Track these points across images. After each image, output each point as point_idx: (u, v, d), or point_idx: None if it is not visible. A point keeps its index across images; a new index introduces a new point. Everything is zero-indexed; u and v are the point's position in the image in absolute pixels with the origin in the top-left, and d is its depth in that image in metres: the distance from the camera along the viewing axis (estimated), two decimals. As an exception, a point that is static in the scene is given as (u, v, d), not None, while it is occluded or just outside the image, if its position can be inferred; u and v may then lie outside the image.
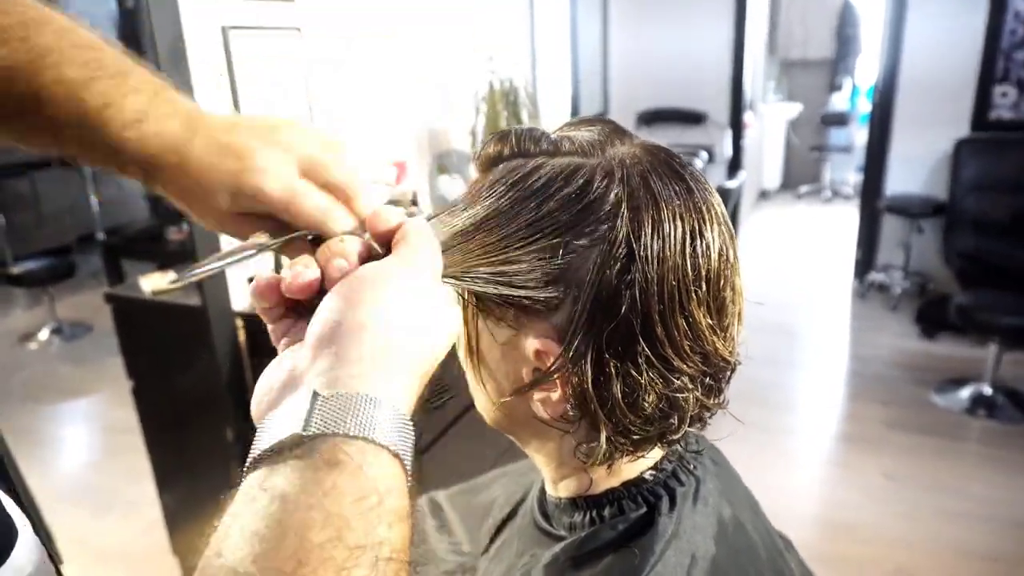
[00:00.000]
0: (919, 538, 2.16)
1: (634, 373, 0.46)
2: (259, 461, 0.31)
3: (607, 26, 4.48)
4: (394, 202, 0.46)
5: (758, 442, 2.65)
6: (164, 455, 1.93)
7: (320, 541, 0.28)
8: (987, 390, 2.90)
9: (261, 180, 0.42)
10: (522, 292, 0.46)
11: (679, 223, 0.45)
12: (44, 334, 4.06)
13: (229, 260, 0.42)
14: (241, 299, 1.66)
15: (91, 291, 4.68)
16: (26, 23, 0.42)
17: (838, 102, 6.97)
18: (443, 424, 1.64)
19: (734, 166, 4.50)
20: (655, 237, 0.45)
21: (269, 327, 0.43)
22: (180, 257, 3.36)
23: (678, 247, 0.45)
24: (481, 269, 0.45)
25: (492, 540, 0.74)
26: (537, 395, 0.49)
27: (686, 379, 0.47)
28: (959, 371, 3.12)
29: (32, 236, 4.96)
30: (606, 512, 0.53)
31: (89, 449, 3.04)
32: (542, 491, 0.64)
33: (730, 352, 0.50)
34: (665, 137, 4.66)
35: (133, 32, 3.85)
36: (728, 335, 0.49)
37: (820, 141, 6.93)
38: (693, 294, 0.46)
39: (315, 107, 1.80)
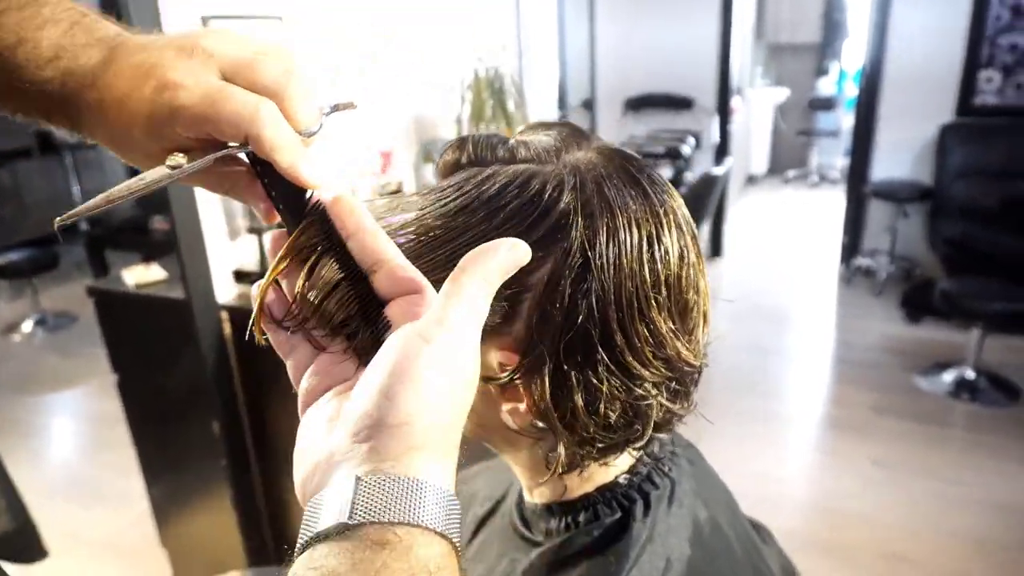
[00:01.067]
0: (909, 523, 2.20)
1: (595, 382, 0.45)
2: (307, 546, 0.30)
3: (594, 12, 4.45)
4: (337, 107, 0.41)
5: (746, 430, 2.68)
6: (151, 448, 1.92)
7: None
8: (970, 374, 2.94)
9: (174, 95, 0.35)
10: None
11: (635, 229, 0.45)
12: (28, 325, 4.03)
13: (133, 190, 0.35)
14: (226, 292, 1.65)
15: (75, 282, 4.63)
16: None
17: (825, 87, 6.98)
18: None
19: (721, 151, 4.50)
20: (610, 245, 0.44)
21: (288, 364, 0.38)
22: (165, 248, 3.33)
23: (635, 253, 0.44)
24: None
25: (474, 535, 0.74)
26: (505, 406, 0.49)
27: (649, 386, 0.47)
28: (943, 355, 3.16)
29: (14, 227, 4.90)
30: (581, 518, 0.53)
31: (76, 441, 3.03)
32: (519, 495, 0.64)
33: (695, 355, 0.49)
34: (653, 123, 4.65)
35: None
36: (693, 338, 0.49)
37: (807, 126, 6.94)
38: (653, 300, 0.45)
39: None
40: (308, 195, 0.37)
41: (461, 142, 0.50)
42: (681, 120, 4.60)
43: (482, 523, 0.74)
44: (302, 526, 0.30)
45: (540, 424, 0.48)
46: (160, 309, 1.70)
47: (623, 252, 0.44)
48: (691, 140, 4.18)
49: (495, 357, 0.47)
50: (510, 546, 0.61)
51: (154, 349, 1.78)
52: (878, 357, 3.31)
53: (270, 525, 1.83)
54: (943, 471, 2.43)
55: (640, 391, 0.46)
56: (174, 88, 0.35)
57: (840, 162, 6.76)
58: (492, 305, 0.37)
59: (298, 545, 0.30)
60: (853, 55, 6.67)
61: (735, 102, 5.12)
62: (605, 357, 0.45)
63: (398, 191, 1.99)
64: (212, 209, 1.61)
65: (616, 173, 0.46)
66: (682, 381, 0.49)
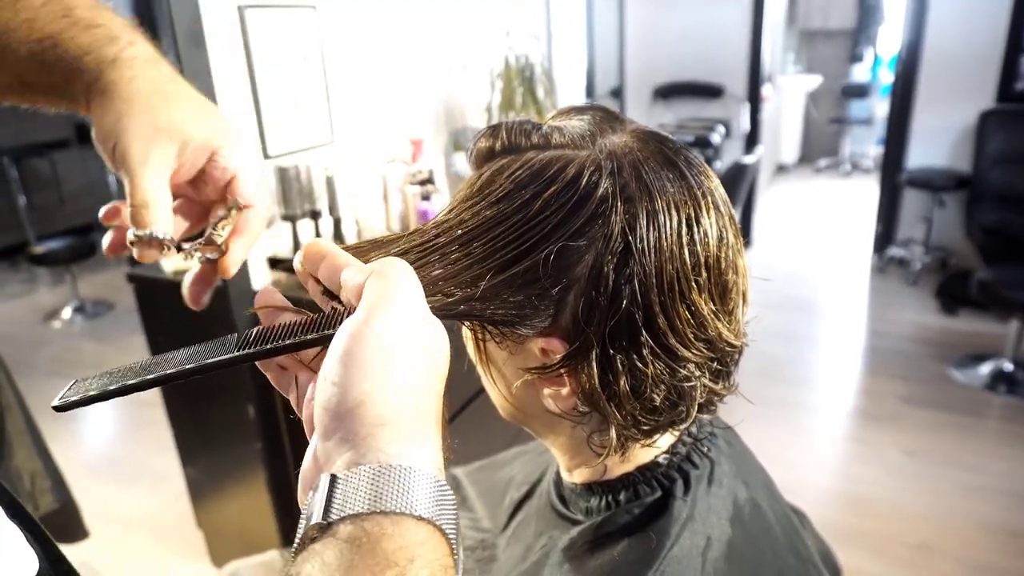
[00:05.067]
0: (939, 513, 2.17)
1: (640, 365, 0.45)
2: (295, 553, 0.29)
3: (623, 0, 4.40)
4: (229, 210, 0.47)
5: (776, 418, 2.66)
6: (187, 430, 1.97)
7: None
8: (1008, 366, 2.87)
9: (243, 161, 0.46)
10: (517, 320, 0.44)
11: (674, 212, 0.45)
12: (67, 312, 4.13)
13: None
14: (260, 278, 1.68)
15: (112, 270, 4.75)
16: None
17: (859, 73, 6.83)
18: (464, 399, 1.66)
19: (751, 140, 4.43)
20: (651, 228, 0.44)
21: (291, 399, 0.41)
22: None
23: (674, 236, 0.44)
24: (475, 302, 0.43)
25: (511, 518, 0.75)
26: (547, 390, 0.49)
27: (692, 367, 0.47)
28: (979, 347, 3.09)
29: (53, 216, 5.03)
30: (621, 497, 0.54)
31: (114, 423, 3.11)
32: (557, 474, 0.65)
33: (736, 335, 0.49)
34: (682, 111, 4.60)
35: (149, 14, 3.85)
36: (733, 318, 0.49)
37: (840, 113, 6.81)
38: (693, 282, 0.45)
39: (331, 85, 1.79)
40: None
41: (494, 129, 0.50)
42: (710, 108, 4.54)
43: (519, 506, 0.75)
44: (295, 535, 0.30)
45: (582, 408, 0.48)
46: (197, 295, 1.74)
47: (663, 235, 0.44)
48: (721, 129, 4.13)
49: (537, 344, 0.48)
50: (548, 524, 0.62)
51: (191, 334, 1.82)
52: (911, 347, 3.26)
53: (303, 507, 1.87)
54: (975, 462, 2.39)
55: (684, 372, 0.47)
56: (238, 156, 0.47)
57: (873, 150, 6.62)
58: (540, 309, 0.41)
59: (291, 552, 0.29)
60: (888, 41, 6.51)
61: (766, 90, 5.04)
62: (649, 340, 0.45)
63: (429, 180, 2.00)
64: (247, 197, 1.64)
65: (653, 156, 0.46)
66: (723, 361, 0.49)
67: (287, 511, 1.85)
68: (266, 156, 1.66)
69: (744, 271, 0.49)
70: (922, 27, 3.73)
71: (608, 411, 0.46)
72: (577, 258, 0.44)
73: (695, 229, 0.45)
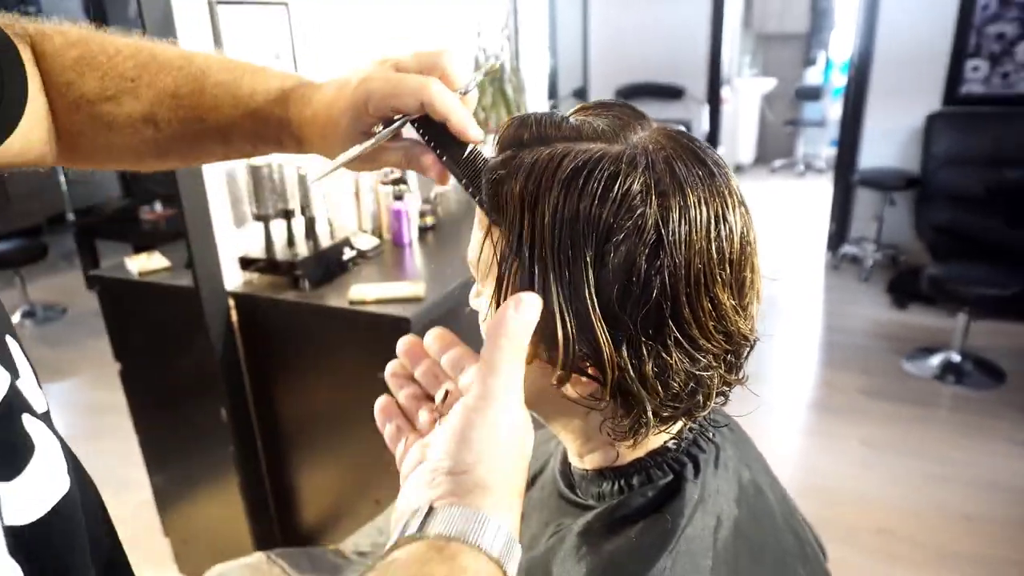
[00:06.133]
0: (899, 500, 2.26)
1: (664, 355, 0.47)
2: (392, 549, 0.38)
3: (587, 2, 4.45)
4: (480, 68, 0.51)
5: (736, 413, 2.72)
6: (155, 436, 1.92)
7: None
8: (956, 357, 3.01)
9: (368, 85, 0.49)
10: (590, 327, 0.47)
11: (704, 208, 0.46)
12: (16, 317, 3.98)
13: (354, 152, 0.50)
14: (233, 279, 1.65)
15: (64, 273, 4.59)
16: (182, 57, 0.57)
17: (812, 76, 7.03)
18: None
19: (711, 140, 4.54)
20: (682, 222, 0.45)
21: (386, 434, 0.53)
22: (155, 237, 3.30)
23: (703, 231, 0.46)
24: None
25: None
26: None
27: (711, 358, 0.49)
28: (929, 340, 3.23)
29: (0, 217, 4.83)
30: (634, 481, 0.56)
31: (73, 431, 3.00)
32: (564, 463, 0.66)
33: (750, 329, 0.51)
34: (644, 112, 4.67)
35: (120, 8, 3.75)
36: (748, 313, 0.51)
37: (794, 115, 7.00)
38: (718, 276, 0.47)
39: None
40: (469, 149, 0.49)
41: (523, 119, 0.50)
42: (672, 109, 4.63)
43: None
44: (391, 535, 0.39)
45: (603, 394, 0.49)
46: (167, 297, 1.70)
47: (694, 229, 0.45)
48: (682, 129, 4.21)
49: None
50: (556, 512, 0.63)
51: (160, 337, 1.78)
52: (866, 342, 3.38)
53: (277, 511, 1.85)
54: (931, 451, 2.50)
55: (704, 362, 0.48)
56: (367, 81, 0.50)
57: (826, 151, 6.83)
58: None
59: (387, 548, 0.38)
60: (840, 45, 6.73)
61: (724, 92, 5.15)
62: (674, 330, 0.46)
63: (401, 180, 2.00)
64: (218, 196, 1.61)
65: (683, 153, 0.48)
66: (737, 354, 0.51)
67: (261, 515, 1.82)
68: (237, 155, 1.64)
69: (759, 270, 0.51)
70: (873, 33, 3.88)
71: (642, 396, 0.48)
72: (610, 250, 0.45)
73: (722, 225, 0.47)
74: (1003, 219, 3.30)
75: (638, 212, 0.45)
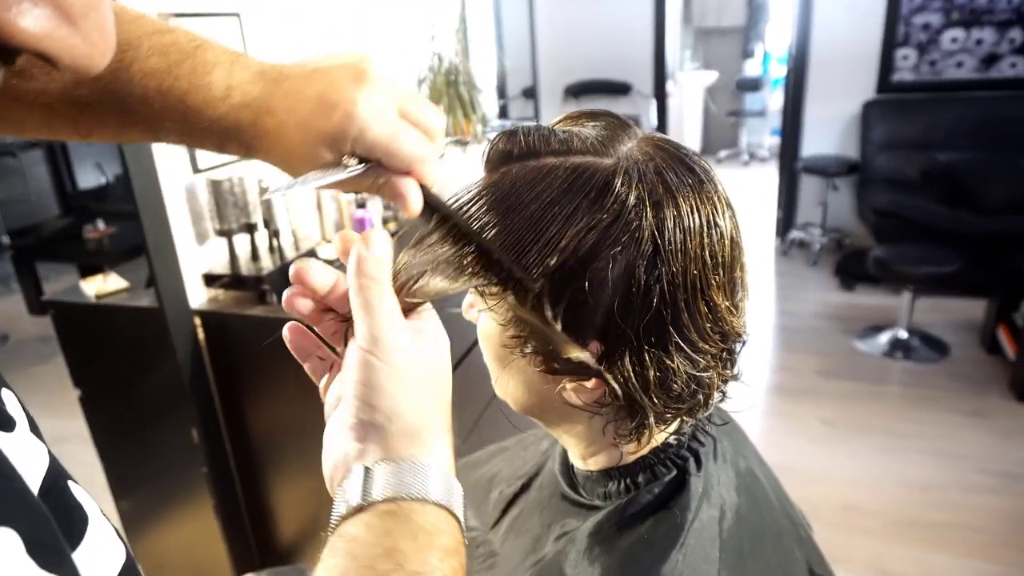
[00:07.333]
0: (860, 475, 2.35)
1: (666, 360, 0.49)
2: (336, 526, 0.37)
3: (533, 3, 4.48)
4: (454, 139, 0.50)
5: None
6: (120, 461, 1.86)
7: (385, 569, 0.35)
8: (903, 334, 3.14)
9: (364, 130, 0.43)
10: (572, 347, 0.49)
11: (696, 215, 0.47)
12: (-47, 347, 3.79)
13: (327, 181, 0.44)
14: (197, 297, 1.62)
15: (5, 299, 4.38)
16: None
17: (751, 68, 7.23)
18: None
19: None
20: (677, 231, 0.47)
21: (307, 368, 0.48)
22: (100, 256, 3.18)
23: (697, 238, 0.47)
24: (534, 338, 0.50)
25: (503, 514, 0.77)
26: (570, 384, 0.52)
27: (709, 358, 0.51)
28: (877, 318, 3.37)
29: (-71, 242, 4.58)
30: (640, 479, 0.57)
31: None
32: (565, 465, 0.68)
33: (743, 326, 0.53)
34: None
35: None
36: (740, 311, 0.53)
37: (736, 106, 7.18)
38: (712, 280, 0.48)
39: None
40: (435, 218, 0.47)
41: (511, 133, 0.50)
42: (619, 105, 4.69)
43: (512, 501, 0.76)
44: (332, 513, 0.38)
45: (607, 400, 0.51)
46: (128, 319, 1.65)
47: (688, 237, 0.47)
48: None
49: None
50: (559, 514, 0.64)
51: (122, 360, 1.73)
52: (818, 323, 3.50)
53: (253, 530, 1.82)
54: (886, 426, 2.61)
55: (703, 362, 0.50)
56: (363, 125, 0.43)
57: (768, 140, 7.03)
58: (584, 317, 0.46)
59: (330, 527, 0.38)
60: (776, 37, 6.93)
61: (669, 86, 5.26)
62: (674, 335, 0.48)
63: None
64: (179, 213, 1.57)
65: (672, 162, 0.49)
66: (731, 351, 0.53)
67: (237, 535, 1.78)
68: (196, 170, 1.60)
69: (746, 267, 0.53)
70: (808, 26, 4.01)
71: (645, 402, 0.49)
72: (608, 262, 0.46)
73: (713, 230, 0.48)
74: (937, 200, 3.47)
75: (634, 224, 0.46)
